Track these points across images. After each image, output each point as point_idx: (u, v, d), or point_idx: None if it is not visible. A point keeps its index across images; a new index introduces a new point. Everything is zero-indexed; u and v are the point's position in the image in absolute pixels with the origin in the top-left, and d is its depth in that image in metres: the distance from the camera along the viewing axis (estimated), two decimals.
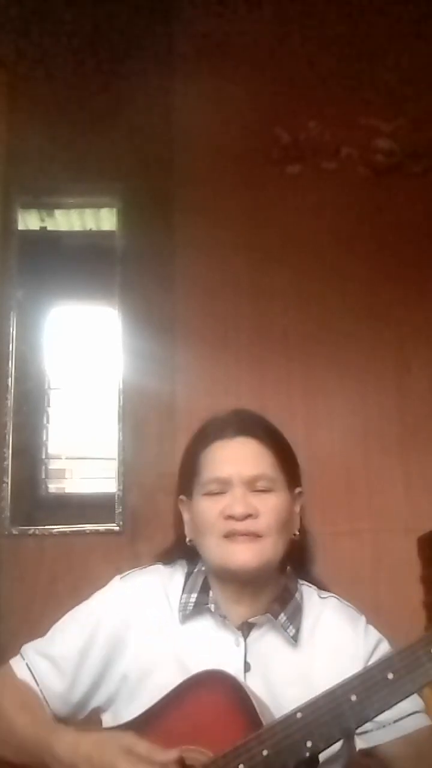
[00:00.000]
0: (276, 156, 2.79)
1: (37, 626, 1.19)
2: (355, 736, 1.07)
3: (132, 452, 2.58)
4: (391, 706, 0.87)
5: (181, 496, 1.18)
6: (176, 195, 2.74)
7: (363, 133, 2.80)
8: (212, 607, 1.10)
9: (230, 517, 1.08)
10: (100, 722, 1.15)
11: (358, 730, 1.05)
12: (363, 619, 1.16)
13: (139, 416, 2.60)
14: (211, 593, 1.12)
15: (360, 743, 1.08)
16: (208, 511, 1.10)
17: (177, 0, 2.85)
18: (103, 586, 1.20)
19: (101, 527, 2.55)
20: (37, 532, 2.57)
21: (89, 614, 1.14)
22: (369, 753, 1.08)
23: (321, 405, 2.63)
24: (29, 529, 2.57)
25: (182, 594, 1.13)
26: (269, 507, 1.10)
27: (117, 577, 1.18)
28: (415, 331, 2.67)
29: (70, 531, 2.57)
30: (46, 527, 2.58)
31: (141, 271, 2.71)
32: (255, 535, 1.08)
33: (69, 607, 1.19)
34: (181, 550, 1.18)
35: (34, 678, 1.12)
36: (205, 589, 1.12)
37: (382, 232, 2.73)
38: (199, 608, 1.11)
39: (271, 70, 2.81)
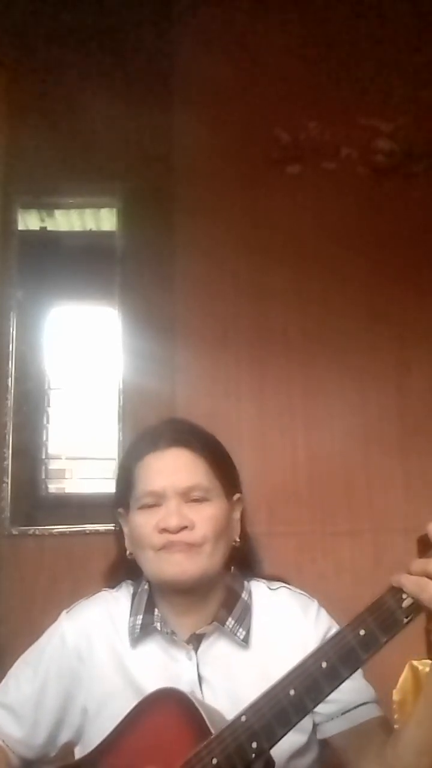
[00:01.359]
0: (276, 156, 2.79)
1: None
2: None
3: None
4: (327, 694, 0.88)
5: (120, 509, 1.17)
6: (176, 195, 2.74)
7: (363, 133, 2.80)
8: (158, 625, 1.09)
9: (165, 530, 1.07)
10: (74, 756, 1.14)
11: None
12: (315, 604, 1.15)
13: (139, 416, 2.59)
14: (156, 611, 1.11)
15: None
16: (143, 525, 1.09)
17: (177, 0, 2.86)
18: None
19: (101, 527, 2.54)
20: (37, 532, 2.57)
21: (39, 655, 1.14)
22: (326, 744, 1.08)
23: (321, 405, 2.63)
24: (29, 529, 2.57)
25: (129, 617, 1.12)
26: (205, 517, 1.08)
27: (63, 612, 1.17)
28: (415, 331, 2.67)
29: (70, 531, 2.57)
30: (46, 527, 2.58)
31: (141, 271, 2.71)
32: (191, 546, 1.07)
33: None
34: (125, 567, 1.17)
35: None
36: (150, 608, 1.11)
37: (382, 232, 2.73)
38: (146, 629, 1.10)
39: (271, 71, 2.82)
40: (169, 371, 2.63)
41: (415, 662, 2.13)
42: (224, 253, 2.71)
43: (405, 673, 2.13)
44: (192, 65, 2.81)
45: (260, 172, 2.77)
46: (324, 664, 0.87)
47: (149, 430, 1.17)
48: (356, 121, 2.81)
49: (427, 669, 2.09)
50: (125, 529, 1.16)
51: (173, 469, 1.11)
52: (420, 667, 2.11)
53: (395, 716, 1.97)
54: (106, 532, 2.48)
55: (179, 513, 1.08)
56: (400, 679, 2.12)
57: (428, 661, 2.12)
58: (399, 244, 2.72)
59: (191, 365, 2.64)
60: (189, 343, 2.65)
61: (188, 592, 1.09)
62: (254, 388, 2.63)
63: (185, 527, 1.07)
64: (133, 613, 1.12)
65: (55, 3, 2.85)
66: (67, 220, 2.98)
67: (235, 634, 1.09)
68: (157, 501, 1.09)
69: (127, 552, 1.15)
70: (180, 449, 1.12)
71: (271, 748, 0.88)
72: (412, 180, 2.78)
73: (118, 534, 1.18)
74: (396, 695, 2.08)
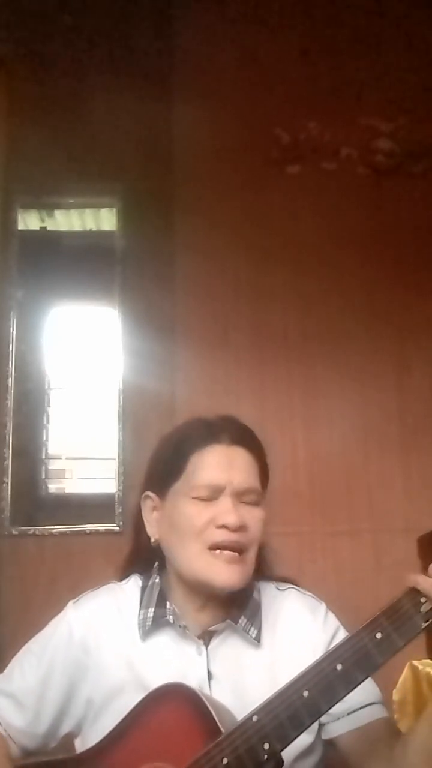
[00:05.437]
0: (276, 156, 2.79)
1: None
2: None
3: (132, 452, 2.58)
4: (342, 698, 0.87)
5: (149, 493, 1.14)
6: (176, 195, 2.74)
7: (363, 133, 2.80)
8: (171, 618, 1.08)
9: (223, 527, 1.04)
10: (74, 747, 1.13)
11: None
12: (323, 606, 1.15)
13: (139, 416, 2.60)
14: (168, 605, 1.09)
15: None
16: (196, 517, 1.06)
17: (177, 0, 2.86)
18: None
19: (101, 527, 2.55)
20: (37, 532, 2.57)
21: (45, 645, 1.13)
22: (331, 744, 1.07)
23: (321, 405, 2.63)
24: (29, 529, 2.57)
25: (140, 610, 1.10)
26: (255, 521, 1.08)
27: (71, 603, 1.15)
28: (415, 331, 2.68)
29: (70, 531, 2.57)
30: (46, 527, 2.58)
31: (141, 271, 2.71)
32: (239, 551, 1.05)
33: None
34: (140, 558, 1.16)
35: None
36: (161, 602, 1.10)
37: (382, 232, 2.73)
38: (158, 622, 1.08)
39: (271, 71, 2.81)
40: (169, 371, 2.63)
41: (415, 662, 2.13)
42: (224, 253, 2.70)
43: (405, 673, 2.12)
44: (192, 65, 2.81)
45: (260, 172, 2.77)
46: (339, 667, 0.87)
47: (206, 422, 1.14)
48: (356, 121, 2.81)
49: (428, 669, 2.09)
50: (153, 514, 1.13)
51: (234, 466, 1.08)
52: (420, 667, 2.11)
53: (395, 716, 1.97)
54: (106, 532, 2.52)
55: (238, 512, 1.06)
56: (400, 679, 2.12)
57: (428, 661, 2.12)
58: (399, 245, 2.72)
59: (191, 365, 2.64)
60: (189, 343, 2.65)
61: (217, 595, 1.08)
62: (254, 387, 2.63)
63: (242, 527, 1.05)
64: (144, 605, 1.10)
65: (56, 2, 2.85)
66: (67, 220, 2.98)
67: (248, 632, 1.08)
68: (212, 495, 1.07)
69: (152, 539, 1.12)
70: (242, 449, 1.10)
71: (282, 749, 0.87)
72: (412, 180, 2.78)
73: (138, 519, 1.16)
74: (396, 695, 2.08)
